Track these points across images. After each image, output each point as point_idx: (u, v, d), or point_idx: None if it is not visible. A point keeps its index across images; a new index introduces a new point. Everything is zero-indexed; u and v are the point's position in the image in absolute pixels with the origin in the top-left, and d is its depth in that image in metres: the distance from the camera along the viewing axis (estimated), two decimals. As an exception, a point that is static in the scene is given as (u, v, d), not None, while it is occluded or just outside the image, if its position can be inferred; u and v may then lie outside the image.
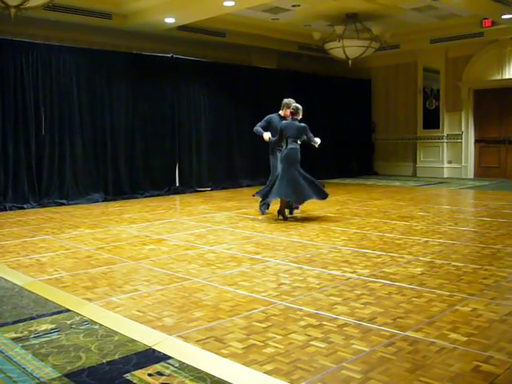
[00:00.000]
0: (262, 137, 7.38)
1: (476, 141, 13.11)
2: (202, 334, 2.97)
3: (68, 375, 2.49)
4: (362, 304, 3.46)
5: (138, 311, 3.41)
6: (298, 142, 6.95)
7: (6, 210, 8.32)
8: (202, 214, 7.85)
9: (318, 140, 6.98)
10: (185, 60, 10.93)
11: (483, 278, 4.03)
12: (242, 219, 7.25)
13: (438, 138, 13.50)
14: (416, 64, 13.74)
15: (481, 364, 2.52)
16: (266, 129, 7.39)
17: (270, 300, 3.59)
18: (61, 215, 7.89)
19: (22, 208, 8.54)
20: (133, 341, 2.90)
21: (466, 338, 2.84)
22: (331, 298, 3.61)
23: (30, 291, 3.91)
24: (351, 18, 10.87)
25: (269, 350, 2.73)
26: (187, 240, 5.80)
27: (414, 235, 5.83)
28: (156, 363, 2.60)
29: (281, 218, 7.12)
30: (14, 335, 3.00)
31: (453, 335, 2.89)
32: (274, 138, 7.20)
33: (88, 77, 9.52)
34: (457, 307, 3.36)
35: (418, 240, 5.56)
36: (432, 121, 13.57)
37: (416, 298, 3.57)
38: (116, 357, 2.69)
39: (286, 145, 6.94)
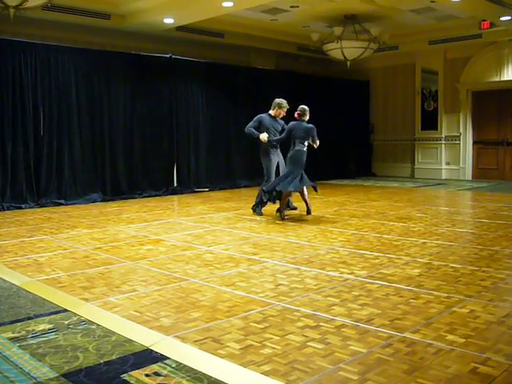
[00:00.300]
0: (257, 138, 7.36)
1: (474, 142, 13.12)
2: (200, 335, 2.97)
3: (65, 375, 2.48)
4: (359, 305, 3.46)
5: (136, 311, 3.40)
6: (306, 143, 6.99)
7: (4, 210, 8.31)
8: (200, 214, 7.85)
9: (318, 142, 7.03)
10: (183, 60, 10.93)
11: (481, 280, 4.03)
12: (239, 220, 7.25)
13: (436, 140, 13.51)
14: (414, 65, 13.75)
15: (478, 366, 2.52)
16: (257, 129, 7.40)
17: (268, 301, 3.59)
18: (59, 215, 7.88)
19: (20, 208, 8.53)
20: (130, 341, 2.90)
21: (464, 340, 2.84)
22: (329, 299, 3.61)
23: (27, 291, 3.91)
24: (350, 19, 10.88)
25: (266, 351, 2.73)
26: (185, 240, 5.80)
27: (412, 236, 5.84)
28: (153, 363, 2.60)
29: (279, 215, 7.14)
30: (12, 335, 3.00)
31: (450, 337, 2.89)
32: (279, 138, 7.21)
33: (86, 77, 9.51)
34: (454, 309, 3.36)
35: (415, 241, 5.56)
36: (430, 122, 13.57)
37: (413, 299, 3.58)
38: (113, 357, 2.68)
39: (293, 145, 7.01)
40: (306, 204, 7.16)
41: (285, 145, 7.34)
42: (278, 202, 7.32)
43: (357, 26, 10.82)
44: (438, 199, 9.86)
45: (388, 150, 14.78)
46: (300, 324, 3.13)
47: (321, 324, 3.12)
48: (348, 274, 4.28)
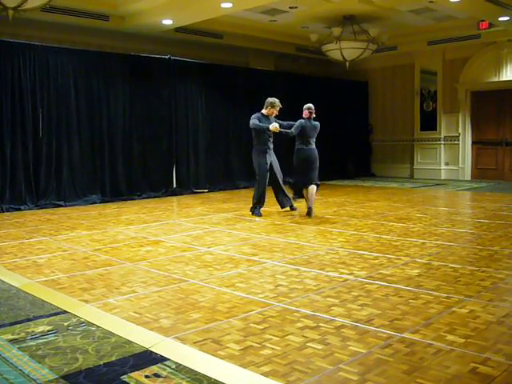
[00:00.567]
0: (267, 129, 7.29)
1: (473, 142, 13.13)
2: (199, 336, 2.97)
3: (65, 377, 2.48)
4: (358, 306, 3.46)
5: (135, 313, 3.40)
6: (315, 140, 7.30)
7: (4, 212, 8.30)
8: (200, 215, 7.84)
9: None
10: (182, 61, 10.94)
11: (480, 280, 4.03)
12: (239, 221, 7.25)
13: (435, 140, 13.52)
14: (413, 66, 13.77)
15: (478, 366, 2.52)
16: None
17: (267, 301, 3.59)
18: (58, 217, 7.88)
19: (20, 209, 8.53)
20: (130, 342, 2.90)
21: (464, 340, 2.84)
22: (328, 299, 3.61)
23: (27, 293, 3.90)
24: (348, 19, 10.89)
25: (266, 352, 2.73)
26: (184, 241, 5.80)
27: (411, 237, 5.84)
28: (153, 365, 2.60)
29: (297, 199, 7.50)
30: (11, 337, 3.00)
31: (450, 337, 2.89)
32: (290, 131, 7.25)
33: (85, 78, 9.51)
34: (454, 309, 3.36)
35: (415, 242, 5.57)
36: (429, 123, 13.59)
37: (413, 299, 3.58)
38: (113, 358, 2.68)
39: (303, 144, 7.23)
40: (309, 204, 7.22)
41: (279, 144, 7.41)
42: (298, 199, 7.57)
43: (355, 26, 10.83)
44: (437, 199, 9.87)
45: (387, 150, 14.79)
46: (300, 325, 3.12)
47: (320, 324, 3.12)
48: (347, 274, 4.28)
